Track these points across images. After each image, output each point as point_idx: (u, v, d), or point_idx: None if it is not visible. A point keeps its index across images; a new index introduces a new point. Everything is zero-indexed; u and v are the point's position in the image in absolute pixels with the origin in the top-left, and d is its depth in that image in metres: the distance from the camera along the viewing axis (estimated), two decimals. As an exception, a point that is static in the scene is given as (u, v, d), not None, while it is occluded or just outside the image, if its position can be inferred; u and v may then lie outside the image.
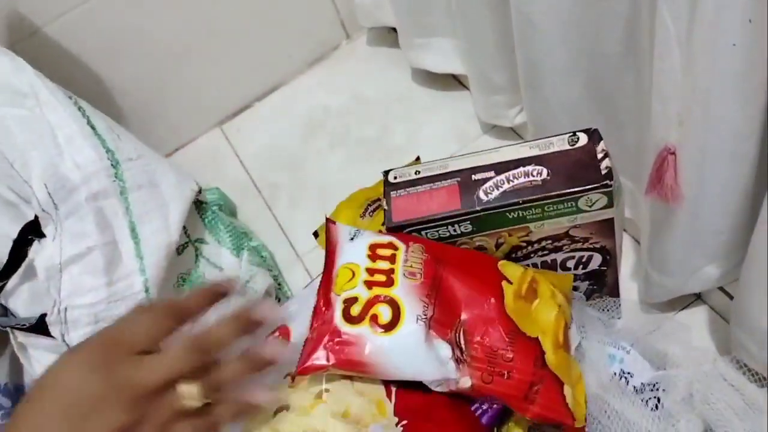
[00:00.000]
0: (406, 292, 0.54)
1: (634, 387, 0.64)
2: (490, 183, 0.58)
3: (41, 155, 0.72)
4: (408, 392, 0.54)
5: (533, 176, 0.58)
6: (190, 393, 0.44)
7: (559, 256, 0.64)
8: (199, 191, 0.85)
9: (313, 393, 0.54)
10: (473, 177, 0.59)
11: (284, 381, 0.57)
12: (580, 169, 0.57)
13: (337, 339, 0.53)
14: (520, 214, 0.58)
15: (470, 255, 0.60)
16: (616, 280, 0.69)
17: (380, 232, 0.60)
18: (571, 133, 0.59)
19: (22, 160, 0.72)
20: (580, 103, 0.72)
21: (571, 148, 0.58)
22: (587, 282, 0.68)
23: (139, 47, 0.96)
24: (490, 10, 0.76)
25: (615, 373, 0.64)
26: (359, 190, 0.81)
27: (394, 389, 0.54)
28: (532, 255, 0.63)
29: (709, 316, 0.77)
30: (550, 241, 0.62)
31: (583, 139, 0.59)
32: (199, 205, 0.85)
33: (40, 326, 0.70)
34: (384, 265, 0.56)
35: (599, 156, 0.57)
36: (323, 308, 0.55)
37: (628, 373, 0.65)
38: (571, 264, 0.65)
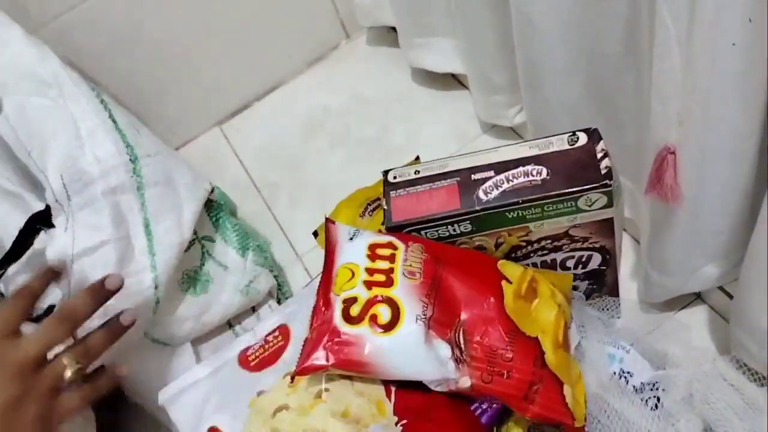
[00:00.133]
0: (405, 292, 0.54)
1: (634, 386, 0.64)
2: (489, 183, 0.58)
3: (60, 146, 0.72)
4: (408, 392, 0.54)
5: (533, 176, 0.58)
6: (67, 361, 0.53)
7: (559, 256, 0.64)
8: (212, 191, 0.84)
9: (312, 393, 0.54)
10: (473, 177, 0.59)
11: (284, 381, 0.57)
12: (579, 169, 0.57)
13: (336, 339, 0.53)
14: (520, 214, 0.58)
15: (470, 255, 0.60)
16: (616, 280, 0.69)
17: (380, 231, 0.60)
18: (571, 133, 0.59)
19: (40, 148, 0.72)
20: (580, 103, 0.72)
21: (570, 147, 0.58)
22: (587, 281, 0.68)
23: (139, 47, 0.96)
24: (490, 10, 0.76)
25: (615, 373, 0.64)
26: (359, 189, 0.81)
27: (393, 389, 0.54)
28: (531, 255, 0.63)
29: (709, 315, 0.77)
30: (549, 241, 0.62)
31: (583, 138, 0.59)
32: (208, 203, 0.84)
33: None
34: (383, 264, 0.56)
35: (599, 156, 0.57)
36: (323, 308, 0.55)
37: (628, 372, 0.65)
38: (570, 264, 0.65)
